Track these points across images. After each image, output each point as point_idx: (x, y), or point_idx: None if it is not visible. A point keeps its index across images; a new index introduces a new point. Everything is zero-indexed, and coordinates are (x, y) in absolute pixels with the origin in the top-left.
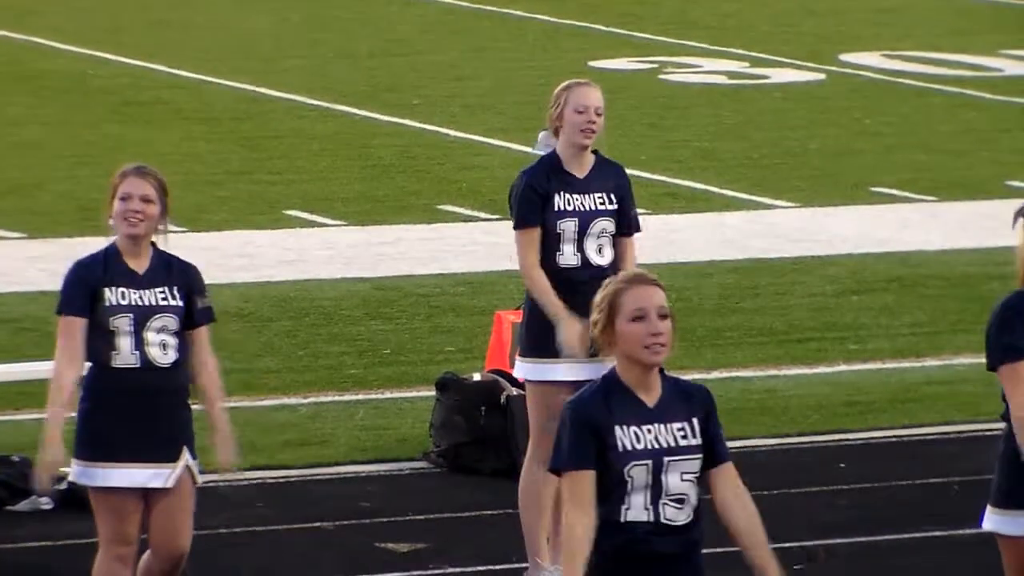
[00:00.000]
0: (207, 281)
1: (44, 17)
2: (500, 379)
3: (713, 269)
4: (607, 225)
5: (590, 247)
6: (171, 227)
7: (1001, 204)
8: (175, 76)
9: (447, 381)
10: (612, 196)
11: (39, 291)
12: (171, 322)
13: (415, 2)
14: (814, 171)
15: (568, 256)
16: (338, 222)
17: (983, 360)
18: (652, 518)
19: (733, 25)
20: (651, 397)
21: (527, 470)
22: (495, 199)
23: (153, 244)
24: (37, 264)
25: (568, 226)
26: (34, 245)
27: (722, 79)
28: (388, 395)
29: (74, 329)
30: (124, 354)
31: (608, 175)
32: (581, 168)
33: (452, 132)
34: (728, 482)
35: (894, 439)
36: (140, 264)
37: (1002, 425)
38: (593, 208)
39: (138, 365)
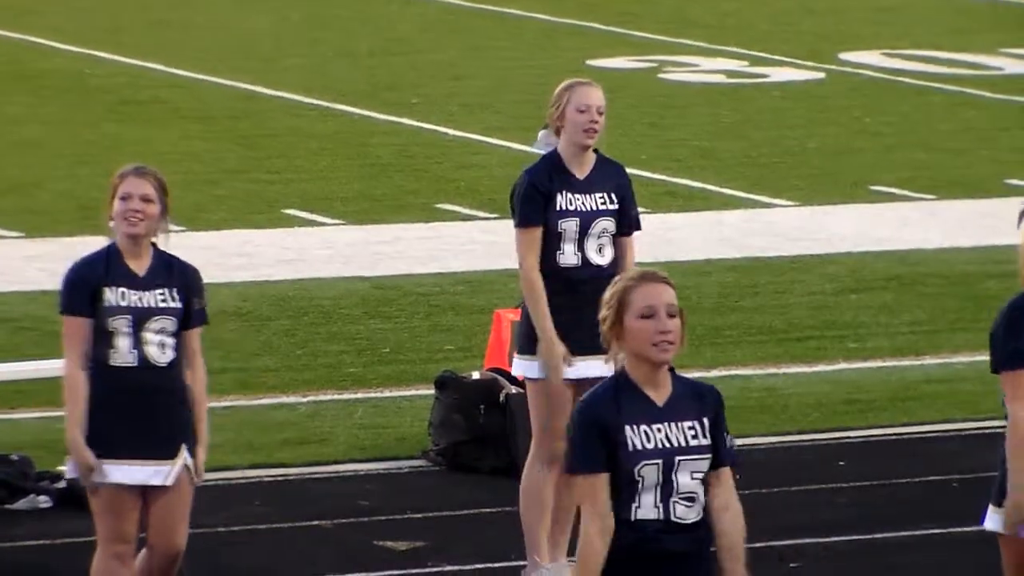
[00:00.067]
0: (206, 280)
1: (43, 17)
2: (499, 378)
3: (712, 268)
4: (608, 225)
5: (590, 247)
6: (170, 226)
7: (1000, 202)
8: (174, 75)
9: (446, 380)
10: (613, 196)
11: (38, 290)
12: (169, 324)
13: (414, 1)
14: (813, 170)
15: (569, 255)
16: (337, 221)
17: (982, 358)
18: (662, 516)
19: (732, 24)
20: (660, 396)
21: (529, 469)
22: (494, 198)
23: (153, 244)
24: (36, 263)
25: (569, 226)
26: (33, 244)
27: (721, 78)
28: (387, 394)
29: (81, 330)
30: (122, 353)
31: (609, 174)
32: (583, 168)
33: (451, 131)
34: (723, 489)
35: (893, 437)
36: (140, 265)
37: (1002, 424)
38: (594, 208)
39: (136, 364)
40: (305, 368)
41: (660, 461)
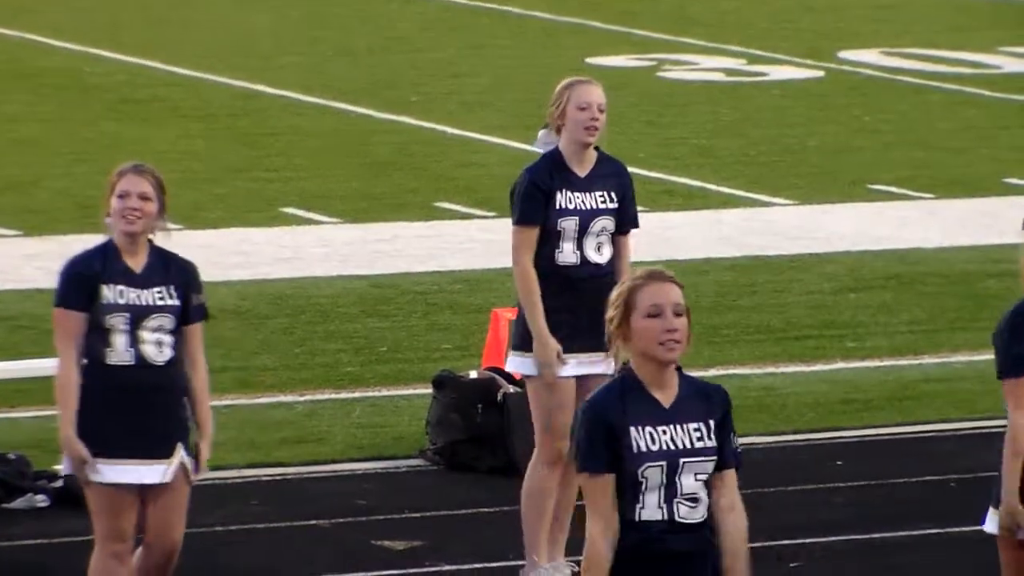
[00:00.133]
0: (204, 279)
1: (41, 15)
2: (497, 377)
3: (710, 267)
4: (607, 224)
5: (589, 245)
6: (169, 224)
7: (999, 201)
8: (173, 73)
9: (444, 379)
10: (613, 194)
11: (36, 289)
12: (167, 321)
13: None
14: (812, 168)
15: (567, 254)
16: (335, 219)
17: (981, 358)
18: (666, 517)
19: (731, 22)
20: (667, 396)
21: (532, 469)
22: (492, 196)
23: (150, 241)
24: (34, 262)
25: (569, 224)
26: (31, 243)
27: (720, 76)
28: (385, 393)
29: (75, 325)
30: (119, 351)
31: (609, 172)
32: (583, 166)
33: (450, 129)
34: (728, 490)
35: (891, 437)
36: (138, 262)
37: (1000, 424)
38: (594, 207)
39: (133, 363)
40: (303, 367)
41: (664, 463)
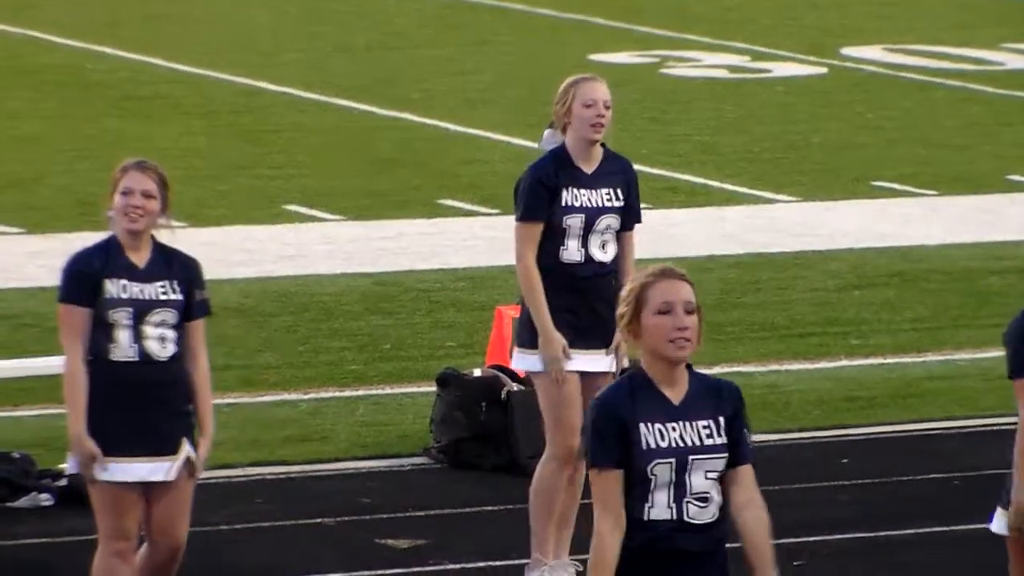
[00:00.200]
0: (207, 276)
1: (43, 11)
2: (500, 375)
3: (714, 264)
4: (612, 222)
5: (594, 243)
6: (172, 222)
7: (1002, 198)
8: (174, 70)
9: (447, 377)
10: (619, 192)
11: (38, 287)
12: (170, 316)
13: None
14: (815, 165)
15: (572, 251)
16: (338, 217)
17: (984, 355)
18: (675, 516)
19: (734, 19)
20: (677, 394)
21: (541, 467)
22: (496, 194)
23: (153, 238)
24: (36, 260)
25: (574, 222)
26: (33, 240)
27: (723, 73)
28: (388, 391)
29: (80, 321)
30: (122, 347)
31: (616, 170)
32: (589, 163)
33: (453, 126)
34: (744, 487)
35: (896, 434)
36: (140, 257)
37: (1005, 421)
38: (600, 205)
39: (136, 359)
40: (306, 365)
41: (673, 460)
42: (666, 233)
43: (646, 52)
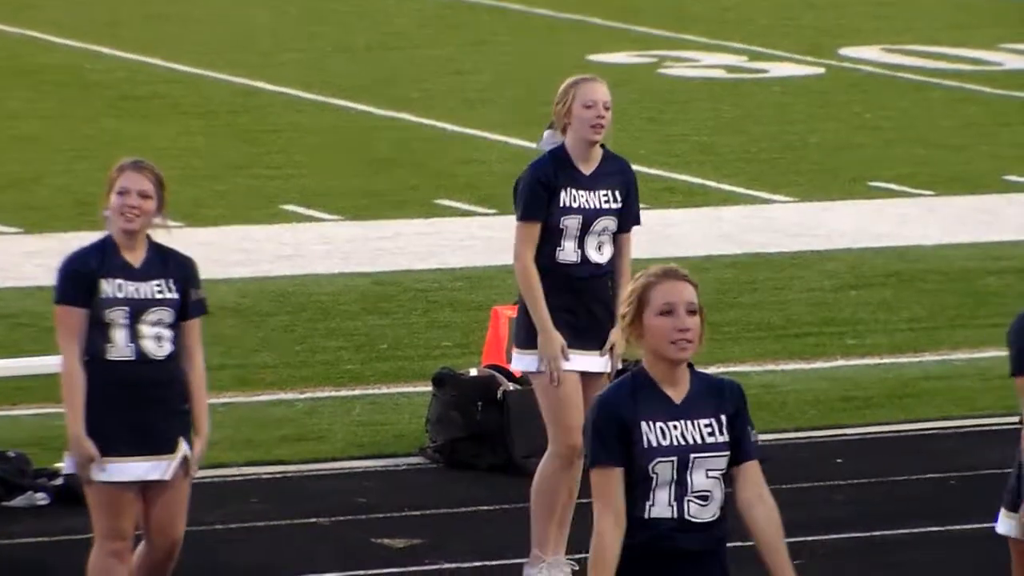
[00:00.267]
0: (204, 276)
1: (42, 11)
2: (497, 374)
3: (711, 264)
4: (609, 224)
5: (590, 245)
6: (169, 221)
7: (999, 199)
8: (173, 70)
9: (444, 376)
10: (617, 193)
11: (36, 286)
12: (166, 315)
13: None
14: (813, 165)
15: (568, 252)
16: (336, 217)
17: (981, 355)
18: (676, 515)
19: (732, 19)
20: (678, 393)
21: (543, 466)
22: (493, 194)
23: (148, 237)
24: (34, 259)
25: (571, 223)
26: (31, 240)
27: (721, 73)
28: (385, 390)
29: (76, 321)
30: (119, 347)
31: (615, 170)
32: (588, 163)
33: (451, 126)
34: (752, 482)
35: (892, 434)
36: (136, 257)
37: (1001, 422)
38: (598, 206)
39: (133, 358)
40: (303, 365)
41: (675, 458)
42: (663, 233)
43: (644, 52)
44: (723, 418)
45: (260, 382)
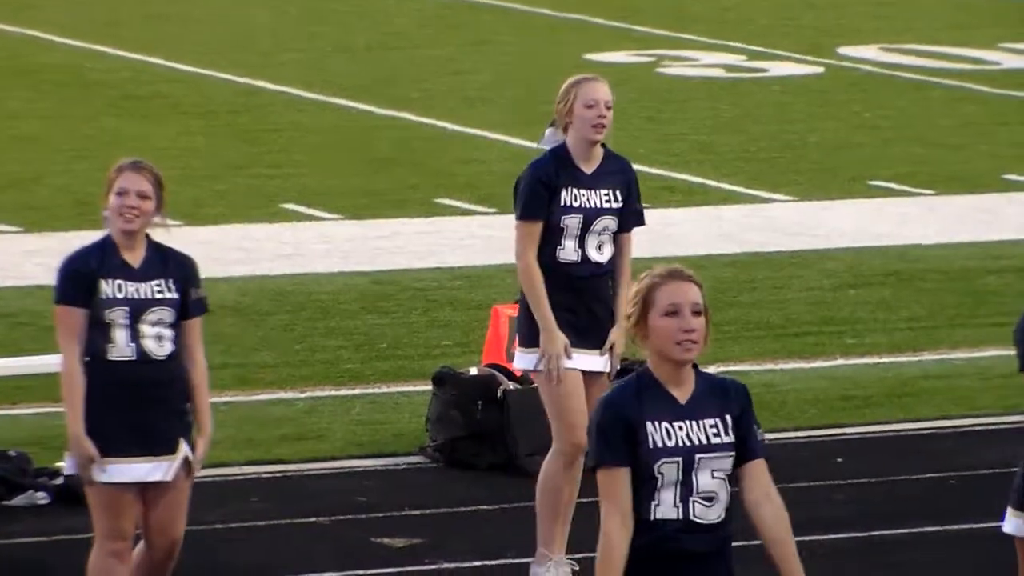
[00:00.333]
0: (204, 275)
1: (42, 11)
2: (497, 373)
3: (710, 263)
4: (610, 223)
5: (591, 244)
6: (168, 221)
7: (998, 198)
8: (173, 70)
9: (444, 375)
10: (618, 193)
11: (36, 285)
12: (167, 315)
13: None
14: (812, 165)
15: (568, 251)
16: (335, 216)
17: (980, 354)
18: (681, 516)
19: (731, 18)
20: (683, 393)
21: (547, 464)
22: (493, 193)
23: (147, 236)
24: (34, 258)
25: (572, 222)
26: (31, 239)
27: (720, 72)
28: (385, 389)
29: (76, 321)
30: (120, 346)
31: (615, 170)
32: (590, 163)
33: (450, 126)
34: (759, 481)
35: (891, 434)
36: (135, 257)
37: (998, 420)
38: (599, 206)
39: (134, 358)
40: (303, 364)
41: (680, 459)
42: (663, 233)
43: (643, 52)
44: (728, 419)
45: (260, 381)
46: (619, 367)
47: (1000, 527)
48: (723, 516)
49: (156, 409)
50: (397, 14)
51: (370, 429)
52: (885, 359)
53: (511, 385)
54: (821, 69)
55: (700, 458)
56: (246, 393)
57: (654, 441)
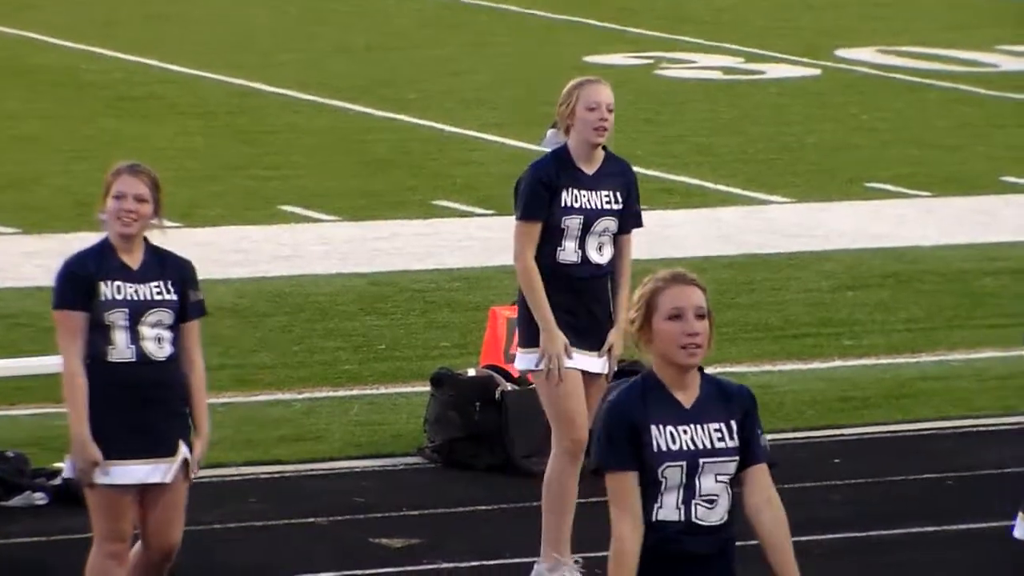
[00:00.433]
0: (202, 276)
1: (40, 12)
2: (495, 375)
3: (708, 265)
4: (610, 224)
5: (591, 245)
6: (166, 222)
7: (996, 199)
8: (170, 71)
9: (442, 376)
10: (619, 194)
11: (35, 287)
12: (166, 316)
13: None
14: (810, 166)
15: (569, 252)
16: (333, 217)
17: (978, 356)
18: (683, 518)
19: (729, 20)
20: (688, 397)
21: (551, 466)
22: (491, 194)
23: (145, 239)
24: (33, 260)
25: (573, 223)
26: (30, 240)
27: (718, 74)
28: (383, 390)
29: (76, 324)
30: (120, 348)
31: (616, 171)
32: (590, 164)
33: (448, 127)
34: (760, 485)
35: (889, 435)
36: (134, 259)
37: (995, 421)
38: (599, 207)
39: (134, 359)
40: (301, 365)
41: (684, 463)
42: (662, 234)
43: (640, 53)
44: (733, 423)
45: (258, 382)
46: (616, 369)
47: (1000, 527)
48: (725, 518)
49: (156, 410)
50: (396, 14)
51: (368, 430)
52: (883, 360)
53: (509, 386)
54: (818, 71)
55: (704, 462)
56: (244, 394)
57: (658, 445)
